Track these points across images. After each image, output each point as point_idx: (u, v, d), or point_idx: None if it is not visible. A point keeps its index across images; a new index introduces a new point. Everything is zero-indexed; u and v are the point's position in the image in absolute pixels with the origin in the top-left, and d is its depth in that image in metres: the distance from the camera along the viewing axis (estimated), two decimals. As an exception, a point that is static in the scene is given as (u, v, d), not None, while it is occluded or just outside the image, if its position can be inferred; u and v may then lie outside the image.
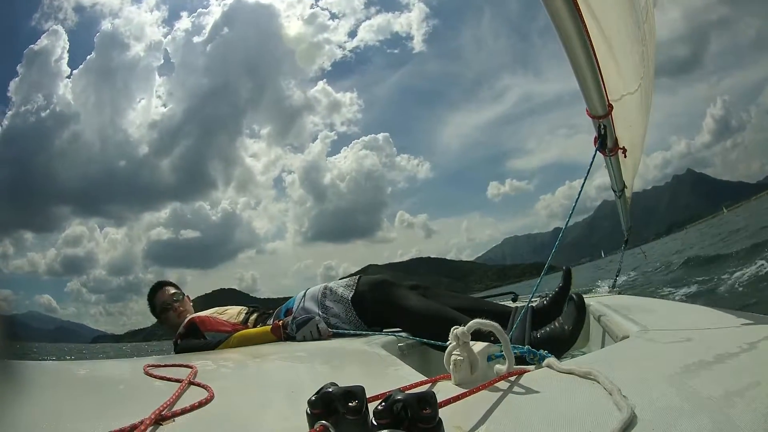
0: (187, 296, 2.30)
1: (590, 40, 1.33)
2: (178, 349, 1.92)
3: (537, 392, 0.69)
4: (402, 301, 1.62)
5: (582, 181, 1.69)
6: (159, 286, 2.30)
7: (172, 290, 2.26)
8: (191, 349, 1.86)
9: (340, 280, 1.82)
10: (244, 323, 1.95)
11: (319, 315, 1.70)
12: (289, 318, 1.73)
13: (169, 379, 0.80)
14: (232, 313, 2.05)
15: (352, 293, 1.72)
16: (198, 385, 0.75)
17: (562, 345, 1.42)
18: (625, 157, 2.29)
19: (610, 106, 1.75)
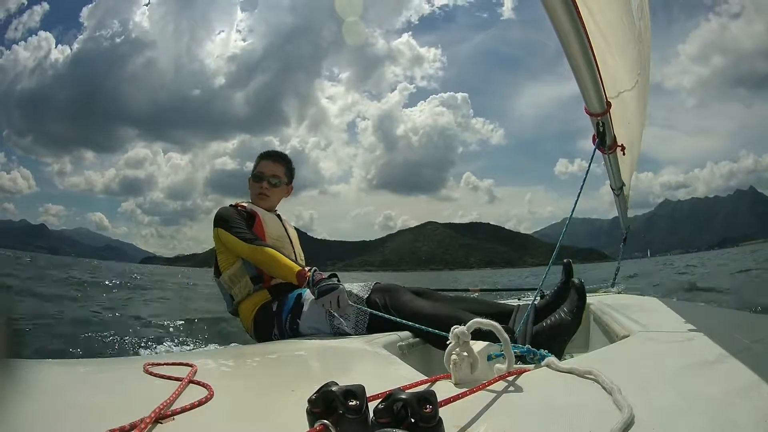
0: (290, 189, 2.08)
1: (588, 38, 1.33)
2: (223, 211, 1.85)
3: (537, 392, 0.69)
4: (410, 305, 1.61)
5: (583, 179, 1.69)
6: (279, 157, 2.04)
7: (280, 172, 2.01)
8: (231, 218, 1.80)
9: (355, 284, 1.76)
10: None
11: (342, 286, 1.65)
12: (313, 270, 1.66)
13: (169, 378, 0.80)
14: (287, 256, 1.84)
15: (366, 295, 1.68)
16: (198, 383, 0.75)
17: (565, 330, 1.46)
18: (624, 154, 2.29)
19: (609, 104, 1.75)
